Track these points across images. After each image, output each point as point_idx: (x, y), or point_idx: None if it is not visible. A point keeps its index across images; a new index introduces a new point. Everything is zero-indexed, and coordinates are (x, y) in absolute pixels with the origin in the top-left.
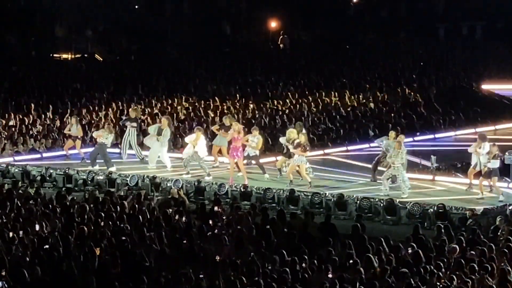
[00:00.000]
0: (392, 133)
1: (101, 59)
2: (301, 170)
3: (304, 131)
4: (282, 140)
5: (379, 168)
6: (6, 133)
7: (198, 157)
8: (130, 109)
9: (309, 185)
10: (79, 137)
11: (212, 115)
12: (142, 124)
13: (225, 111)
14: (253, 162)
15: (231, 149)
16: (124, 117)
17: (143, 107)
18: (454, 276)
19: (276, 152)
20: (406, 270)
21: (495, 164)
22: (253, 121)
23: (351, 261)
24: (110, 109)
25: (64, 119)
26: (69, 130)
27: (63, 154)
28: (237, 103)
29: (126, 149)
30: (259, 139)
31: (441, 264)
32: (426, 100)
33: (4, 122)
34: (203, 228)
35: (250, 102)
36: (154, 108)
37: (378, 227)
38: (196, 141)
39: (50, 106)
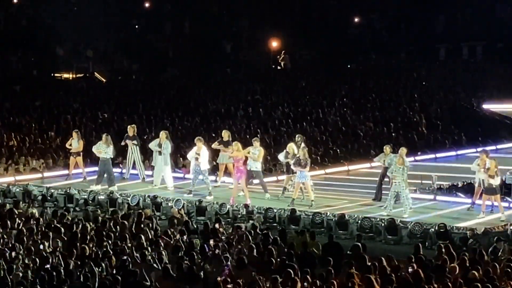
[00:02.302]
0: (386, 148)
1: (102, 79)
2: (307, 187)
3: (303, 144)
4: (280, 157)
5: (383, 185)
6: (7, 153)
7: (201, 171)
8: (128, 127)
9: (310, 204)
10: (80, 152)
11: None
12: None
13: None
14: (255, 181)
15: (235, 169)
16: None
17: (144, 126)
18: None
19: (278, 172)
20: None
21: (497, 181)
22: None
23: (352, 281)
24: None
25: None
26: (70, 145)
27: (65, 174)
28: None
29: (130, 167)
30: (260, 150)
31: (442, 284)
32: (427, 119)
33: (5, 141)
34: (205, 248)
35: (251, 121)
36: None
37: (379, 246)
38: (198, 151)
39: (53, 125)
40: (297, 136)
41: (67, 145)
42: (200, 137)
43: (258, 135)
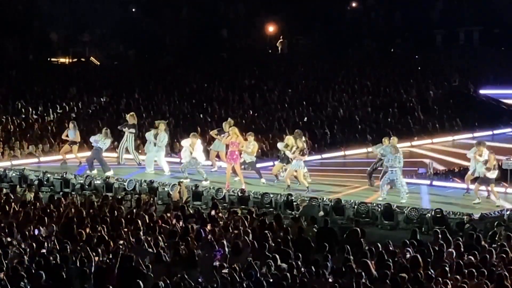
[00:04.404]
0: (385, 140)
1: (98, 64)
2: (299, 175)
3: (303, 138)
4: (279, 145)
5: (374, 174)
6: (3, 138)
7: (195, 162)
8: (128, 115)
9: (306, 190)
10: (77, 142)
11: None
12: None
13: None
14: (250, 168)
15: (228, 153)
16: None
17: (141, 111)
18: (451, 281)
19: (274, 157)
20: (404, 275)
21: (493, 174)
22: (252, 126)
23: (348, 266)
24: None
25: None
26: (67, 136)
27: (61, 159)
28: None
29: (123, 154)
30: (254, 145)
31: (439, 269)
32: (424, 105)
33: (1, 126)
34: (200, 233)
35: (248, 106)
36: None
37: (376, 232)
38: (192, 147)
39: (49, 110)
40: (296, 132)
41: (63, 136)
42: (195, 133)
43: (256, 121)
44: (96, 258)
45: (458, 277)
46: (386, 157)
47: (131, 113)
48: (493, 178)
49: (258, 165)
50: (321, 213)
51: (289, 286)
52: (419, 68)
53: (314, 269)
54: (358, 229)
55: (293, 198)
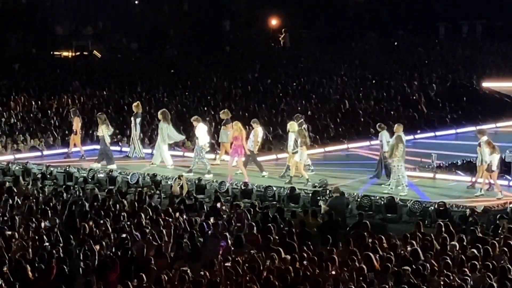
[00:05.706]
0: (379, 128)
1: (101, 57)
2: (298, 166)
3: (298, 122)
4: (290, 141)
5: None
6: (6, 131)
7: (200, 147)
8: (134, 105)
9: (305, 182)
10: (78, 131)
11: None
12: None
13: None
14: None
15: (233, 147)
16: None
17: (145, 104)
18: (454, 274)
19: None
20: (407, 268)
21: (495, 158)
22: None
23: (351, 259)
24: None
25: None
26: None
27: (64, 152)
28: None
29: (141, 146)
30: (261, 131)
31: (442, 262)
32: (427, 98)
33: (4, 119)
34: (204, 226)
35: (250, 99)
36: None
37: (379, 224)
38: (196, 130)
39: (52, 103)
40: (296, 116)
41: (74, 128)
42: (197, 116)
43: (258, 114)
44: (99, 251)
45: (462, 269)
46: (389, 146)
47: (136, 103)
48: (497, 158)
49: (260, 158)
50: (350, 206)
51: (292, 279)
52: (422, 60)
53: (317, 262)
54: (367, 222)
55: (325, 189)
